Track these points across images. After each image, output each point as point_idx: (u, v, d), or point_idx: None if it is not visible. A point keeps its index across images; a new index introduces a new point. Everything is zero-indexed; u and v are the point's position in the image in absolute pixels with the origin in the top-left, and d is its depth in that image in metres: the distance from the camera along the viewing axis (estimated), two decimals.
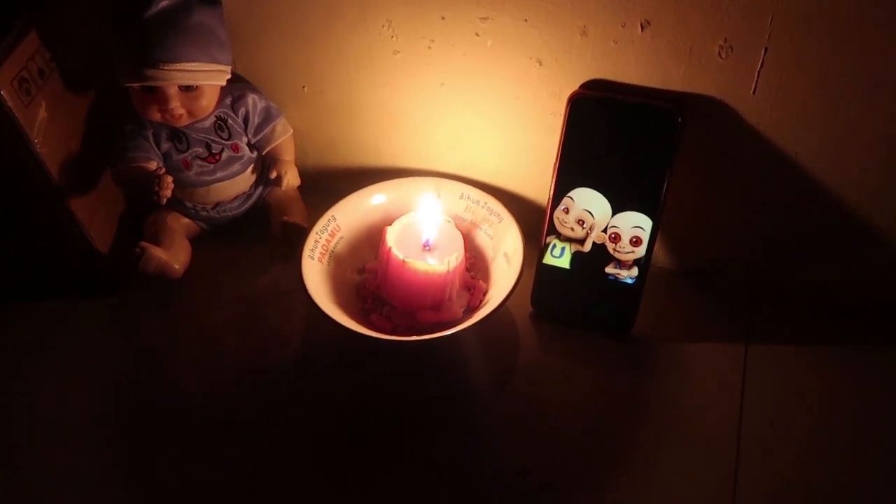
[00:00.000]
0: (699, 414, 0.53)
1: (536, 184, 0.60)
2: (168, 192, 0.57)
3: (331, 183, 0.68)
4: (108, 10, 0.55)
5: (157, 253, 0.60)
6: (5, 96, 0.50)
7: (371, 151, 0.65)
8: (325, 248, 0.59)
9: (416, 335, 0.54)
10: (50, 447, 0.53)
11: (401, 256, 0.55)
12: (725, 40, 0.47)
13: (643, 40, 0.49)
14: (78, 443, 0.53)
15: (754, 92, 0.48)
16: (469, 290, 0.58)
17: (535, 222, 0.58)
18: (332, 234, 0.60)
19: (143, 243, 0.59)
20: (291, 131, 0.64)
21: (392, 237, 0.56)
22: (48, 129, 0.55)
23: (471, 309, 0.57)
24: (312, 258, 0.57)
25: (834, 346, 0.56)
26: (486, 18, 0.52)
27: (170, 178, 0.57)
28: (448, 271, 0.55)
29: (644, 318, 0.56)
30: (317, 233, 0.59)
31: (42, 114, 0.54)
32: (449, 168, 0.63)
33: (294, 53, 0.60)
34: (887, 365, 0.54)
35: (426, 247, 0.57)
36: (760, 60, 0.47)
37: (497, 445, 0.52)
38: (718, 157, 0.53)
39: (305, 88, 0.63)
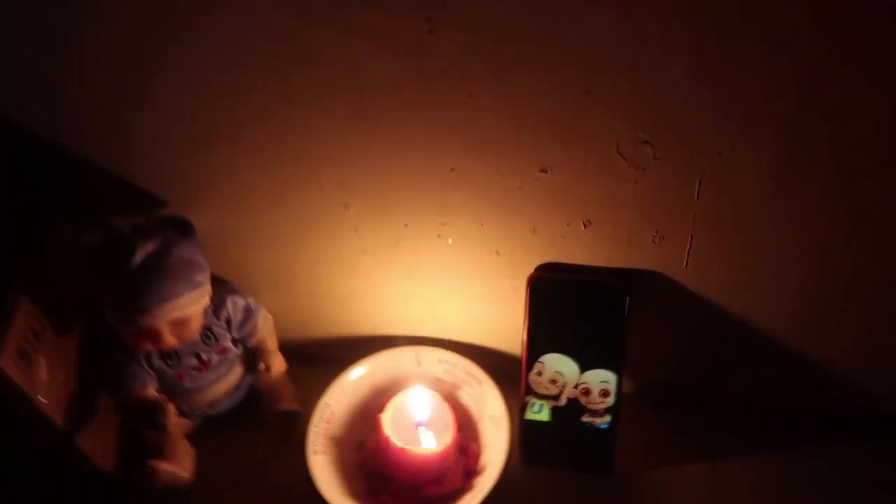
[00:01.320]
0: None
1: (508, 341, 0.66)
2: (172, 418, 0.60)
3: (314, 351, 0.72)
4: (89, 259, 0.58)
5: (165, 467, 0.63)
6: (11, 374, 0.53)
7: (348, 325, 0.70)
8: (325, 437, 0.63)
9: None
10: None
11: (399, 444, 0.60)
12: (657, 231, 0.54)
13: (586, 234, 0.56)
14: None
15: (686, 265, 0.56)
16: (462, 451, 0.64)
17: (511, 374, 0.64)
18: (329, 421, 0.65)
19: (150, 463, 0.62)
20: (271, 320, 0.68)
21: (387, 424, 0.61)
22: (49, 384, 0.57)
23: (468, 472, 0.63)
24: (316, 452, 0.62)
25: (790, 450, 0.64)
26: (445, 224, 0.58)
27: (171, 407, 0.60)
28: (445, 450, 0.60)
29: (622, 447, 0.63)
30: (315, 425, 0.63)
31: (43, 374, 0.57)
32: (427, 331, 0.68)
33: (266, 258, 0.65)
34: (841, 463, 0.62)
35: (420, 425, 0.62)
36: (689, 243, 0.54)
37: None
38: (662, 313, 0.60)
39: (279, 282, 0.67)
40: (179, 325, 0.60)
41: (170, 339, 0.60)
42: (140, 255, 0.57)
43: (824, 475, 0.62)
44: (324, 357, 0.69)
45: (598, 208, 0.54)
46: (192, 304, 0.60)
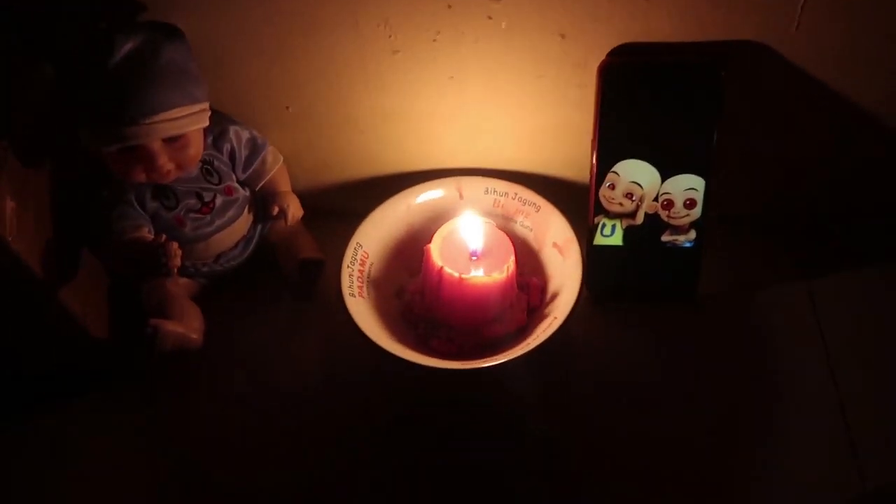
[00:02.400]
0: (786, 358, 0.52)
1: (569, 162, 0.57)
2: (178, 261, 0.49)
3: (328, 203, 0.62)
4: (61, 67, 0.46)
5: (171, 327, 0.52)
6: None
7: (373, 163, 0.60)
8: (360, 280, 0.54)
9: (484, 353, 0.51)
10: None
11: (456, 274, 0.50)
12: None
13: None
14: None
15: (797, 28, 0.46)
16: (523, 289, 0.55)
17: (574, 203, 0.55)
18: (363, 263, 0.55)
19: (153, 320, 0.52)
20: (282, 159, 0.57)
21: (437, 254, 0.52)
22: (21, 220, 0.46)
23: (532, 309, 0.54)
24: (353, 295, 0.52)
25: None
26: None
27: (175, 245, 0.49)
28: (507, 278, 0.51)
29: (704, 275, 0.55)
30: (348, 265, 0.53)
31: (9, 204, 0.45)
32: (467, 163, 0.58)
33: (273, 73, 0.53)
34: None
35: (474, 257, 0.52)
36: None
37: (599, 430, 0.50)
38: (762, 100, 0.51)
39: (290, 108, 0.56)
40: (176, 147, 0.49)
41: (166, 164, 0.49)
42: (121, 53, 0.46)
43: None
44: (345, 211, 0.58)
45: None
46: (189, 122, 0.49)
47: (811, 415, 0.49)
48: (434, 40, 0.50)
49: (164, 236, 0.50)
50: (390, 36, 0.50)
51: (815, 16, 0.45)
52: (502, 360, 0.47)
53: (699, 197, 0.51)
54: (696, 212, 0.52)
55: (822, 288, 0.55)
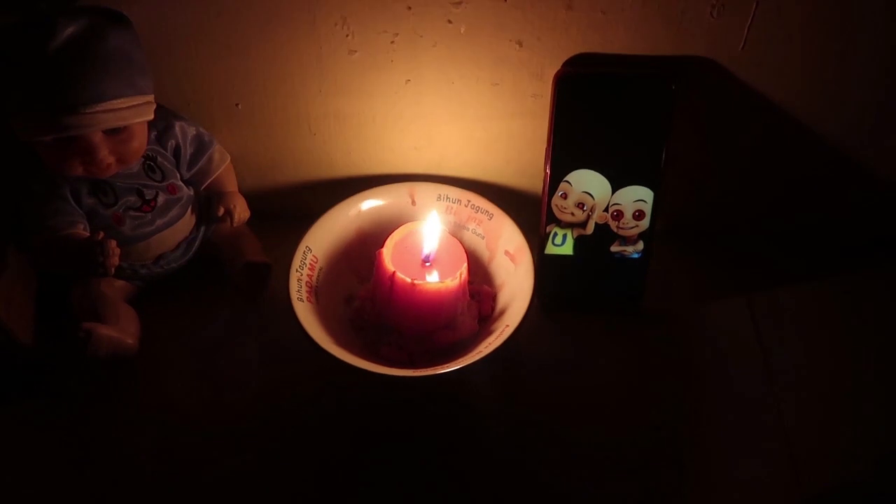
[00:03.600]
0: (727, 367, 0.53)
1: (522, 171, 0.57)
2: (116, 260, 0.47)
3: (276, 205, 0.60)
4: None
5: (105, 331, 0.49)
6: None
7: (324, 165, 0.58)
8: (308, 285, 0.52)
9: (435, 360, 0.50)
10: None
11: (408, 280, 0.49)
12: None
13: (634, 7, 0.46)
14: None
15: (743, 47, 0.48)
16: (474, 297, 0.54)
17: (526, 212, 0.55)
18: (312, 268, 0.53)
19: (86, 324, 0.49)
20: (229, 158, 0.56)
21: (389, 259, 0.51)
22: None
23: (483, 317, 0.54)
24: (302, 300, 0.50)
25: (830, 280, 0.58)
26: (460, 3, 0.47)
27: (114, 243, 0.47)
28: (459, 285, 0.51)
29: (649, 286, 0.56)
30: (297, 269, 0.52)
31: None
32: (419, 169, 0.58)
33: (223, 67, 0.52)
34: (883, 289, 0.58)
35: (426, 263, 0.52)
36: (751, 14, 0.46)
37: (546, 441, 0.50)
38: (709, 114, 0.52)
39: (239, 106, 0.54)
40: (118, 140, 0.47)
41: (106, 158, 0.47)
42: (63, 37, 0.43)
43: (862, 305, 0.57)
44: (294, 214, 0.56)
45: None
46: (133, 113, 0.47)
47: (750, 422, 0.50)
48: (392, 42, 0.50)
49: (101, 233, 0.47)
50: (348, 35, 0.49)
51: (760, 36, 0.47)
52: (454, 368, 0.46)
53: (648, 209, 0.52)
54: (645, 223, 0.53)
55: (762, 300, 0.57)
